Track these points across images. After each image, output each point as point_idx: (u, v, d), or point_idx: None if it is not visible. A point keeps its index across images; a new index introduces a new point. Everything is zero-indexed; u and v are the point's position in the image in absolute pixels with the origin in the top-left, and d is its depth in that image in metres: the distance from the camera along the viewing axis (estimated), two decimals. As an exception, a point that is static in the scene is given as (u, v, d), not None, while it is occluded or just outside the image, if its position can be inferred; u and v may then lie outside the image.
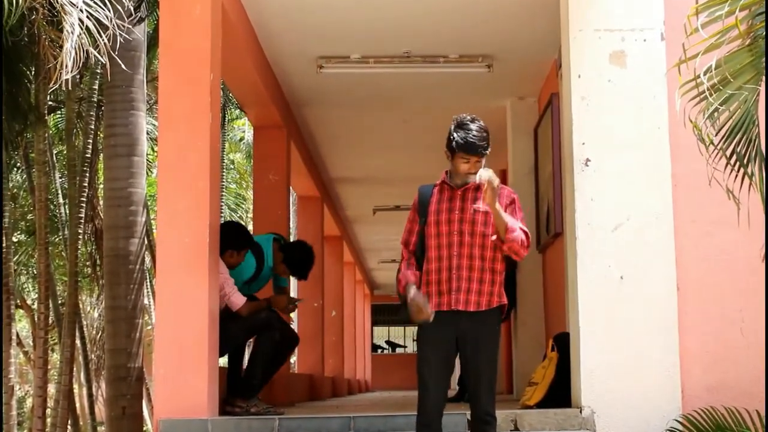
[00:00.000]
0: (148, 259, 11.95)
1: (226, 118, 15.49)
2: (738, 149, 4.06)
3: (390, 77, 8.70)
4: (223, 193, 16.38)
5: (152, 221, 12.63)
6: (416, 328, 4.62)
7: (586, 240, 5.70)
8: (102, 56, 5.30)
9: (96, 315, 15.03)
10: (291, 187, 11.04)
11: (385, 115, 9.86)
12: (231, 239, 6.73)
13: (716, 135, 4.11)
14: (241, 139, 21.06)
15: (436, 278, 4.51)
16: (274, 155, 9.19)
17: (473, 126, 4.52)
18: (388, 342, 28.62)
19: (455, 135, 4.51)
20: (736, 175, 4.17)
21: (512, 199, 4.65)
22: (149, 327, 14.71)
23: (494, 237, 4.51)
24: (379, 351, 27.92)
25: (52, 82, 5.15)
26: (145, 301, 13.10)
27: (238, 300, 6.52)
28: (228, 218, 17.92)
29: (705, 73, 3.81)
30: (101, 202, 11.14)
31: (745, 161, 4.04)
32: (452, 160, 4.56)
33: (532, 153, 9.21)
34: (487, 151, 4.54)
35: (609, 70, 5.83)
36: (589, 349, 5.60)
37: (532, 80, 8.90)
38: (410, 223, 4.66)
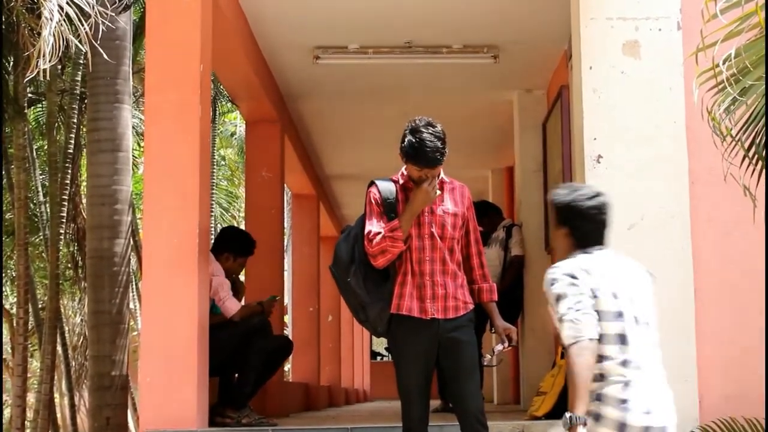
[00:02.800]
0: (133, 260, 11.95)
1: (217, 112, 15.48)
2: (757, 140, 4.06)
3: (390, 68, 8.69)
4: (214, 191, 16.38)
5: (138, 221, 12.63)
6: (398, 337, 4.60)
7: (598, 241, 5.69)
8: (83, 45, 5.31)
9: (78, 320, 15.02)
10: (285, 185, 11.04)
11: (385, 108, 9.85)
12: (231, 241, 6.79)
13: (734, 127, 4.11)
14: (232, 134, 21.06)
15: (410, 285, 4.51)
16: (267, 151, 9.19)
17: (426, 134, 4.41)
18: (387, 348, 28.64)
19: (406, 142, 4.44)
20: (753, 170, 4.18)
21: (470, 202, 4.69)
22: (135, 333, 14.68)
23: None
24: (379, 358, 27.91)
25: (29, 70, 5.15)
26: (131, 305, 13.09)
27: (233, 306, 6.54)
28: (219, 217, 17.92)
29: (724, 62, 3.81)
30: (84, 201, 11.13)
31: (765, 153, 4.05)
32: (407, 164, 4.52)
33: (540, 149, 9.20)
34: (442, 161, 4.45)
35: (622, 61, 5.82)
36: (601, 357, 5.59)
37: (540, 72, 8.90)
38: (378, 216, 4.51)
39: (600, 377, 3.42)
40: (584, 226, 3.65)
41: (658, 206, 5.73)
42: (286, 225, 14.91)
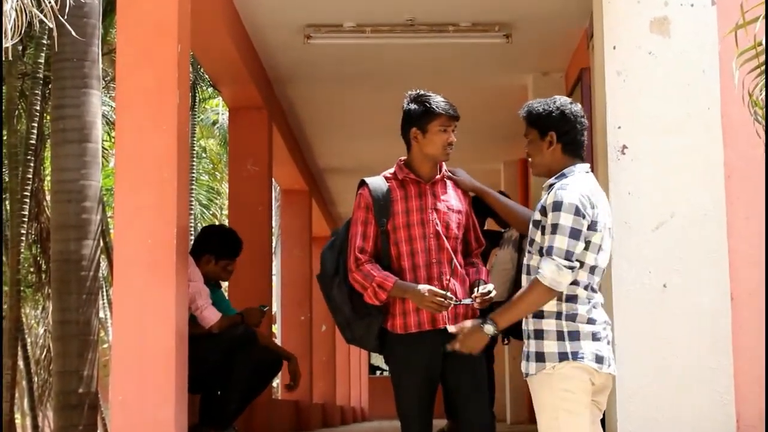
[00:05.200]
0: (103, 264, 11.93)
1: (197, 98, 15.48)
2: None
3: (390, 49, 8.69)
4: (193, 187, 16.39)
5: (109, 219, 12.62)
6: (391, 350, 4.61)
7: (623, 241, 5.68)
8: (49, 21, 5.29)
9: (42, 331, 15.01)
10: (273, 179, 11.03)
11: (385, 94, 9.82)
12: (212, 241, 6.77)
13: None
14: (214, 123, 21.06)
15: None
16: (253, 141, 9.18)
17: (435, 94, 4.60)
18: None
19: (428, 102, 4.54)
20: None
21: (470, 197, 4.73)
22: (105, 345, 14.67)
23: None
24: (378, 373, 27.91)
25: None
26: (101, 315, 13.06)
27: (212, 315, 6.52)
28: (199, 216, 17.92)
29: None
30: (48, 197, 11.11)
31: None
32: (424, 136, 4.55)
33: (558, 138, 9.20)
34: (458, 114, 4.61)
35: (650, 39, 5.81)
36: (627, 371, 5.58)
37: (558, 53, 8.89)
38: (363, 226, 4.55)
39: (571, 298, 3.90)
40: (573, 131, 4.09)
41: (690, 203, 5.72)
42: (274, 224, 14.88)
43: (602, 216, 3.94)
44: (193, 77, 13.66)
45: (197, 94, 15.35)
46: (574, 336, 3.85)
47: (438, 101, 4.54)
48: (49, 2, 5.29)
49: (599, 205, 3.94)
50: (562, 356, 3.83)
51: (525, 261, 3.99)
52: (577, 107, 4.12)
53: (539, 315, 3.91)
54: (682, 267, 5.68)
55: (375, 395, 24.45)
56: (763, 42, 3.80)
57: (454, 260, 4.50)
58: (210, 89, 15.32)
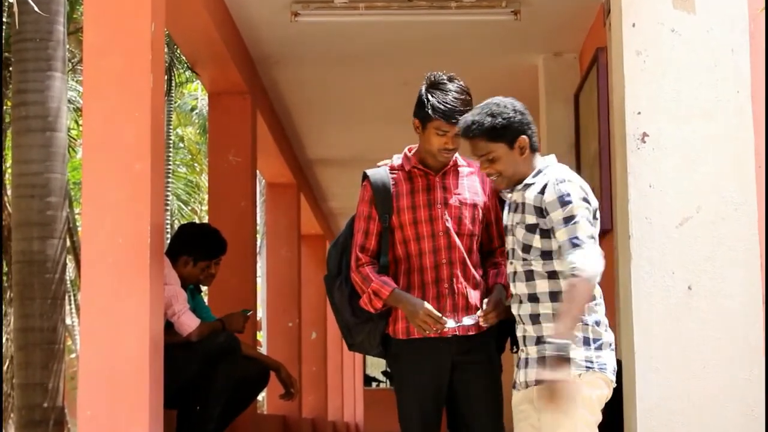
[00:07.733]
0: (70, 265, 11.93)
1: (173, 82, 15.49)
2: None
3: (387, 27, 8.68)
4: (170, 180, 16.39)
5: (76, 216, 12.62)
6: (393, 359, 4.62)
7: (644, 239, 5.68)
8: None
9: (3, 339, 15.04)
10: (258, 172, 11.02)
11: (380, 77, 9.84)
12: (190, 242, 6.76)
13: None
14: (192, 109, 21.10)
15: (422, 296, 4.49)
16: (235, 130, 9.18)
17: (452, 86, 4.53)
18: (385, 373, 28.61)
19: (430, 97, 4.51)
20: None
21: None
22: (73, 355, 14.69)
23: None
24: (374, 384, 27.93)
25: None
26: (67, 321, 13.08)
27: (190, 321, 6.52)
28: (176, 211, 17.93)
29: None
30: (8, 192, 11.11)
31: None
32: (423, 131, 4.55)
33: (572, 125, 9.20)
34: None
35: (673, 16, 5.81)
36: (648, 381, 5.58)
37: (571, 31, 8.89)
38: (366, 222, 4.60)
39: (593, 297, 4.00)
40: (533, 126, 4.24)
41: (718, 196, 5.72)
42: (259, 221, 14.89)
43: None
44: (169, 59, 13.67)
45: (173, 78, 15.38)
46: (599, 345, 3.91)
47: (440, 101, 4.48)
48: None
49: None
50: (589, 365, 3.86)
51: (509, 269, 4.01)
52: (517, 101, 4.23)
53: None
54: (709, 267, 5.68)
55: (371, 409, 24.46)
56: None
57: (467, 260, 4.49)
58: (187, 72, 15.33)
